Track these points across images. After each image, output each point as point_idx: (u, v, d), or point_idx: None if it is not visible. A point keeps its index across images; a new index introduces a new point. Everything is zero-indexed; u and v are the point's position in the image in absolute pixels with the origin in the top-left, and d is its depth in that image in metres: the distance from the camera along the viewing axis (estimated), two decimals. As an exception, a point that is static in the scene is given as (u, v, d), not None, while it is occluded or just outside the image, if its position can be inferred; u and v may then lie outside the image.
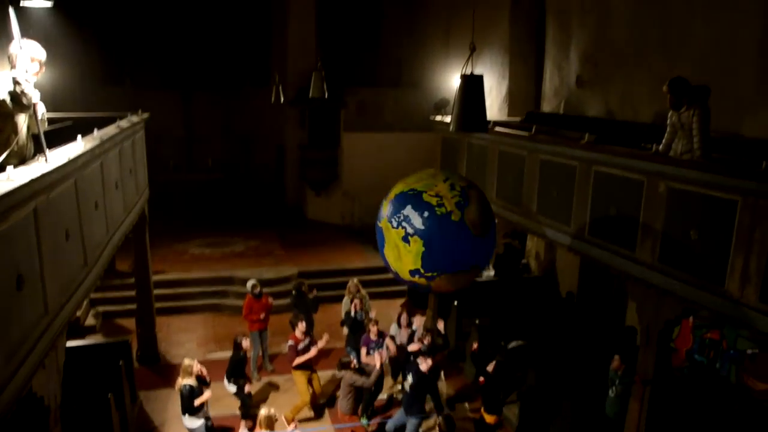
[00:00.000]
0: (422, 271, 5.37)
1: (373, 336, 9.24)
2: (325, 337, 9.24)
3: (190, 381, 7.79)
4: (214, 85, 20.75)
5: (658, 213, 6.25)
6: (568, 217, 7.76)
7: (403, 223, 5.14)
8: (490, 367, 8.24)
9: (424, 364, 8.07)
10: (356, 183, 18.56)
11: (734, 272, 5.39)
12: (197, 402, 7.78)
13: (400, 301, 14.44)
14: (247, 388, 8.86)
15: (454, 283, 5.46)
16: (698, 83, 6.25)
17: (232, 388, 8.79)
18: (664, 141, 6.45)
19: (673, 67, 9.13)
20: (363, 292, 10.69)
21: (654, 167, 6.30)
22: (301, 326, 9.03)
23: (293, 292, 11.08)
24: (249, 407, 8.87)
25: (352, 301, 10.36)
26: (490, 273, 12.95)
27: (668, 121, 6.40)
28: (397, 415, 8.50)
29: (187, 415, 7.82)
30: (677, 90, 6.17)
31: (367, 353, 9.22)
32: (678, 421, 7.65)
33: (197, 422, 7.86)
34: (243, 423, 8.84)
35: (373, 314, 10.07)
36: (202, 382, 8.01)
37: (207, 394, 7.92)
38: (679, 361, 9.25)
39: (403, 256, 5.38)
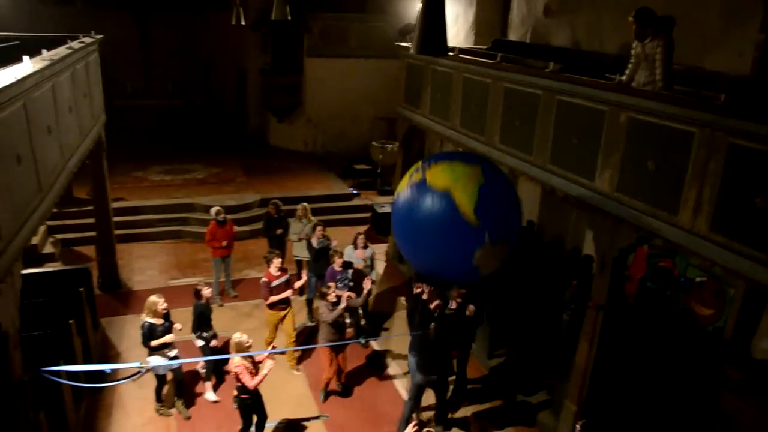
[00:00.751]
0: (420, 165, 5.40)
1: (337, 267, 9.16)
2: (304, 276, 9.20)
3: (152, 319, 7.47)
4: (173, 5, 19.89)
5: (618, 143, 6.31)
6: (530, 146, 7.79)
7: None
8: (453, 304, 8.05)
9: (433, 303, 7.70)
10: (320, 110, 18.34)
11: (687, 202, 5.52)
12: (155, 343, 7.47)
13: (363, 228, 14.56)
14: (213, 343, 8.37)
15: (453, 175, 5.29)
16: (664, 15, 6.22)
17: (200, 342, 8.27)
18: (627, 72, 6.45)
19: (640, -4, 9.06)
20: (311, 217, 10.69)
21: (616, 98, 6.31)
22: (277, 262, 8.69)
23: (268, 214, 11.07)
24: (212, 367, 8.40)
25: (311, 227, 10.35)
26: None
27: (632, 52, 6.39)
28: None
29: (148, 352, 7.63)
30: (643, 20, 6.14)
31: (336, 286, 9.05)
32: (628, 344, 7.99)
33: (160, 360, 7.60)
34: (207, 384, 8.38)
35: (335, 243, 10.09)
36: (168, 321, 7.66)
37: (169, 337, 7.53)
38: (632, 288, 9.57)
39: (411, 170, 5.48)
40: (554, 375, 8.41)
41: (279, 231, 10.77)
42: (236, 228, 11.07)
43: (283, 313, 8.83)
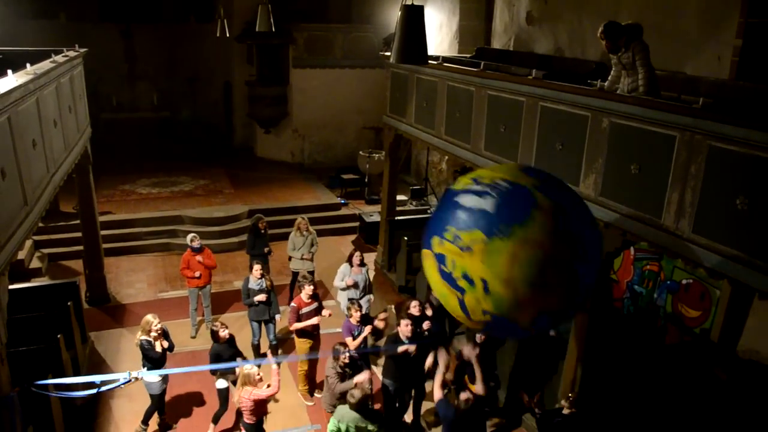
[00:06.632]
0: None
1: (354, 322, 8.20)
2: (327, 312, 8.54)
3: (148, 337, 7.30)
4: (157, 18, 19.92)
5: (601, 148, 6.38)
6: (515, 152, 7.85)
7: None
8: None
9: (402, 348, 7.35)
10: (306, 120, 18.38)
11: (671, 205, 5.59)
12: (158, 348, 7.28)
13: (351, 237, 14.59)
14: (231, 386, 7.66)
15: None
16: (645, 23, 6.26)
17: (222, 384, 7.66)
18: (609, 78, 6.51)
19: (620, 4, 9.20)
20: (311, 229, 10.57)
21: (598, 103, 6.39)
22: (308, 289, 8.26)
23: (250, 229, 10.89)
24: (221, 413, 7.83)
25: (310, 241, 10.30)
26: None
27: (612, 61, 6.45)
28: None
29: (146, 369, 7.32)
30: (611, 34, 6.11)
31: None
32: (616, 346, 8.04)
33: (154, 377, 7.40)
34: (212, 427, 7.82)
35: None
36: (167, 337, 7.51)
37: (162, 342, 7.32)
38: (620, 292, 9.64)
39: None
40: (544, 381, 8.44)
41: (267, 249, 10.49)
42: (214, 260, 9.95)
43: (312, 341, 8.48)
